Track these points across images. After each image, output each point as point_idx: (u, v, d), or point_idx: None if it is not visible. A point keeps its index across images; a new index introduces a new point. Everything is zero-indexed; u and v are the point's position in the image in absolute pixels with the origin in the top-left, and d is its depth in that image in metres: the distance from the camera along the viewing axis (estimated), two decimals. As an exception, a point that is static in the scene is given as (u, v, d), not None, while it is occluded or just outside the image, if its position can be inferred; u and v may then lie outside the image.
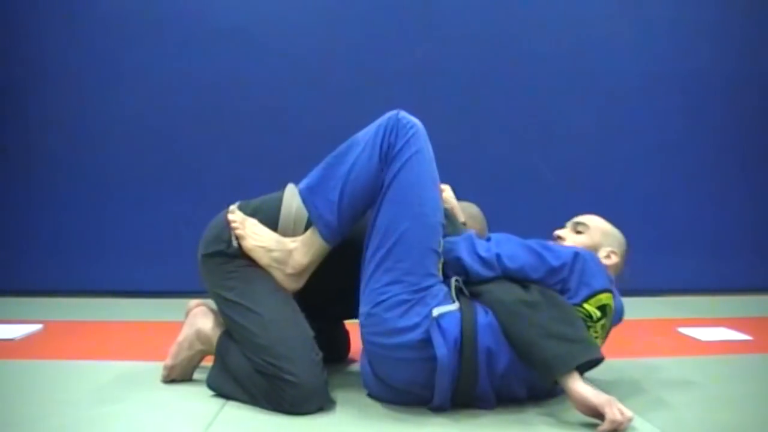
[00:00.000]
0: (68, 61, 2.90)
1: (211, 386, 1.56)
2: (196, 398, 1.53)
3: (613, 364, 1.86)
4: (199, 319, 1.64)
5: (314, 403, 1.45)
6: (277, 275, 1.54)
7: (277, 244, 1.54)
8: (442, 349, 1.37)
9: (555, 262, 1.49)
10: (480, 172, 3.05)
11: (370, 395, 1.55)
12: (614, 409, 1.30)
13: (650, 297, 3.01)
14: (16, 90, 2.91)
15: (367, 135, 1.50)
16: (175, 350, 1.63)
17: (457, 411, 1.46)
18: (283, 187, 1.68)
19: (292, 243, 1.55)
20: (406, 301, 1.41)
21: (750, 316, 2.68)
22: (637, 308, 2.79)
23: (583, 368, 1.37)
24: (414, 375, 1.43)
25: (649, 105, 3.17)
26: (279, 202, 1.63)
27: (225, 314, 1.56)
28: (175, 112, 2.95)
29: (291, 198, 1.62)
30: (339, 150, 1.53)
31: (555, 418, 1.45)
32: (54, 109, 2.92)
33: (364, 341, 1.49)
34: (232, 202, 1.66)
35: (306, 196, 1.52)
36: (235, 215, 1.57)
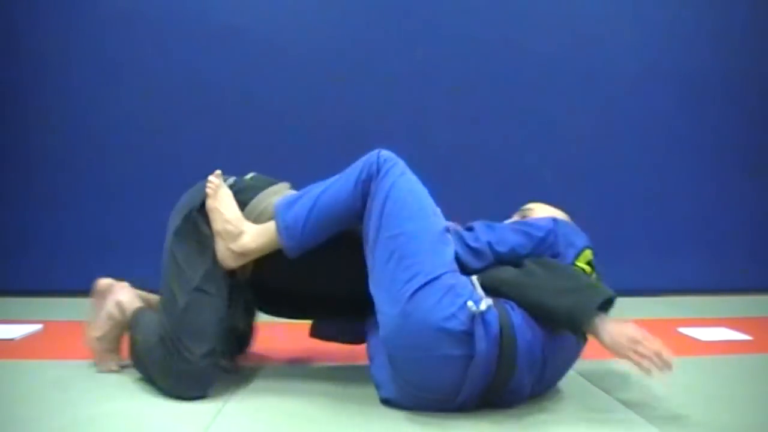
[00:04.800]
0: (68, 61, 2.90)
1: (134, 365, 1.63)
2: (196, 399, 1.53)
3: (613, 364, 1.87)
4: (118, 291, 1.71)
5: (199, 386, 1.51)
6: (221, 246, 1.58)
7: (235, 219, 1.59)
8: (482, 342, 1.35)
9: (540, 233, 1.55)
10: (480, 172, 3.05)
11: (388, 401, 1.50)
12: (632, 354, 1.32)
13: (650, 297, 3.01)
14: (16, 90, 2.91)
15: (348, 169, 1.55)
16: (99, 323, 1.69)
17: (457, 412, 1.46)
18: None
19: (248, 226, 1.59)
20: (439, 289, 1.38)
21: (750, 316, 2.68)
22: (637, 308, 2.80)
23: (603, 309, 1.37)
24: (450, 372, 1.39)
25: (649, 105, 3.17)
26: (257, 192, 1.68)
27: (166, 270, 1.60)
28: (175, 111, 2.94)
29: (269, 195, 1.66)
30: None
31: (552, 414, 1.45)
32: (54, 109, 2.92)
33: (393, 345, 1.43)
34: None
35: (278, 207, 1.57)
36: (216, 179, 1.64)
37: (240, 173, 2.89)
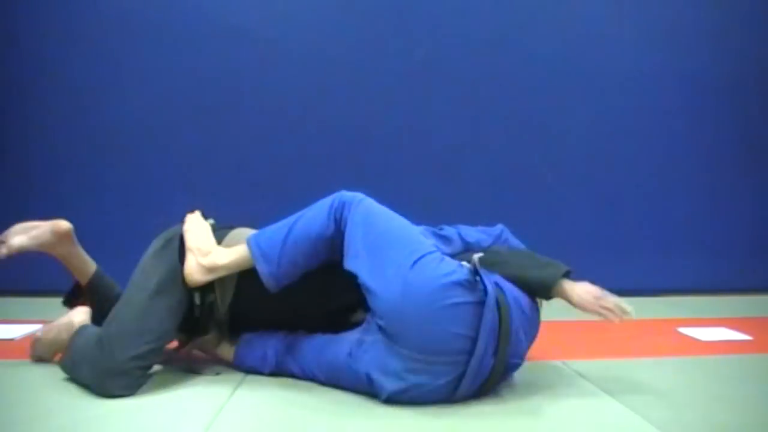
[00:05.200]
0: (68, 61, 2.90)
1: (61, 365, 1.63)
2: (196, 398, 1.53)
3: (613, 364, 1.87)
4: (76, 313, 1.75)
5: (120, 386, 1.50)
6: (190, 260, 1.61)
7: (208, 240, 1.64)
8: (488, 285, 1.44)
9: (496, 231, 1.77)
10: (480, 172, 3.05)
11: (391, 399, 1.49)
12: (599, 308, 1.50)
13: (650, 297, 3.01)
14: (16, 90, 2.91)
15: (314, 204, 1.62)
16: (47, 328, 1.74)
17: (458, 405, 1.47)
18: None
19: (219, 247, 1.64)
20: (434, 258, 1.47)
21: (750, 316, 2.68)
22: (637, 308, 2.79)
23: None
24: (463, 322, 1.42)
25: (649, 105, 3.17)
26: (228, 231, 1.72)
27: (133, 279, 1.65)
28: (175, 111, 2.95)
29: (243, 233, 1.69)
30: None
31: (552, 414, 1.45)
32: (54, 109, 2.92)
33: (399, 316, 1.45)
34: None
35: (249, 237, 1.61)
36: (195, 215, 1.72)
37: (241, 172, 2.91)
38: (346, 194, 1.60)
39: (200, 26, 2.94)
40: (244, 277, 1.63)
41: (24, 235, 1.83)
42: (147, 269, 1.65)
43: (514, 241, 1.79)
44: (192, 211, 1.75)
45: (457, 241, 1.67)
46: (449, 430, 1.38)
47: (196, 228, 1.68)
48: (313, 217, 1.58)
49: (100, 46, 2.92)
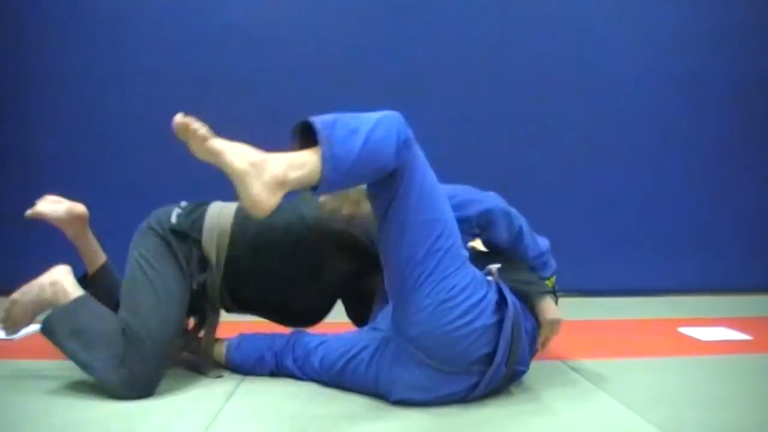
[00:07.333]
0: (68, 61, 2.91)
1: (45, 325, 1.58)
2: (196, 398, 1.54)
3: (613, 364, 1.87)
4: (61, 273, 1.70)
5: (134, 392, 1.49)
6: (253, 184, 1.35)
7: (251, 150, 1.44)
8: (512, 296, 1.49)
9: (485, 206, 1.75)
10: (479, 172, 3.04)
11: (403, 401, 1.50)
12: (549, 339, 1.60)
13: (650, 297, 3.01)
14: (16, 90, 2.91)
15: (379, 117, 1.45)
16: (26, 289, 1.66)
17: (459, 405, 1.47)
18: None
19: (270, 155, 1.44)
20: (471, 281, 1.46)
21: (750, 316, 2.68)
22: (637, 308, 2.81)
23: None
24: (482, 342, 1.45)
25: (649, 105, 3.17)
26: (206, 207, 1.75)
27: (134, 268, 1.64)
28: (175, 111, 2.94)
29: (217, 206, 1.74)
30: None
31: (552, 414, 1.45)
32: (54, 109, 2.92)
33: (430, 329, 1.44)
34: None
35: (323, 137, 1.42)
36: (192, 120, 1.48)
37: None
38: (408, 131, 1.45)
39: (200, 26, 2.95)
40: (233, 254, 1.66)
41: (48, 205, 1.90)
42: (154, 261, 1.65)
43: (520, 221, 1.71)
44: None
45: None
46: (450, 430, 1.38)
47: (229, 143, 1.44)
48: (384, 143, 1.40)
49: (100, 45, 2.92)
